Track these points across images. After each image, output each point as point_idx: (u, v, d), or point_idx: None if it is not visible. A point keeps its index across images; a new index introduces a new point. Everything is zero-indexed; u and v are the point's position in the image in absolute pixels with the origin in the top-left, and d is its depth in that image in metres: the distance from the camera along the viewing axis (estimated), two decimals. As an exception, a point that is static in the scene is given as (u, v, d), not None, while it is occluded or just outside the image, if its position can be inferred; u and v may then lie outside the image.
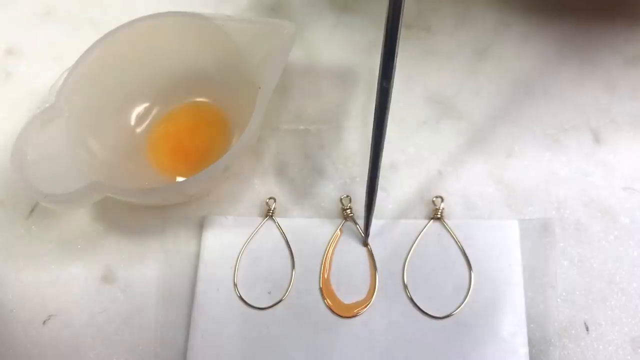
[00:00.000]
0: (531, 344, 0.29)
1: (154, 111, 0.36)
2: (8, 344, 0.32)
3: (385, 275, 0.32)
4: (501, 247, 0.31)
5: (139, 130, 0.36)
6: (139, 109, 0.36)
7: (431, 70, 0.38)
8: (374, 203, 0.30)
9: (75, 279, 0.33)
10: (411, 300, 0.31)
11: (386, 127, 0.27)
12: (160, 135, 0.36)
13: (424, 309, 0.31)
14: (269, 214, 0.34)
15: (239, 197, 0.35)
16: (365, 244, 0.32)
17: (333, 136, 0.36)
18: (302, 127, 0.37)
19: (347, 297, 0.31)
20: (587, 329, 0.30)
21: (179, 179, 0.34)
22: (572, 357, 0.29)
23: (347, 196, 0.34)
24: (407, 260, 0.32)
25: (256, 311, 0.31)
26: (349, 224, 0.33)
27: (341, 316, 0.31)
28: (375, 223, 0.33)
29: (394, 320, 0.31)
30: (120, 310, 0.32)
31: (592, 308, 0.30)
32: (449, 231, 0.32)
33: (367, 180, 0.29)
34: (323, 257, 0.32)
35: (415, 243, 0.32)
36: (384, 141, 0.28)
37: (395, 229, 0.33)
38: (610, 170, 0.34)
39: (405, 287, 0.31)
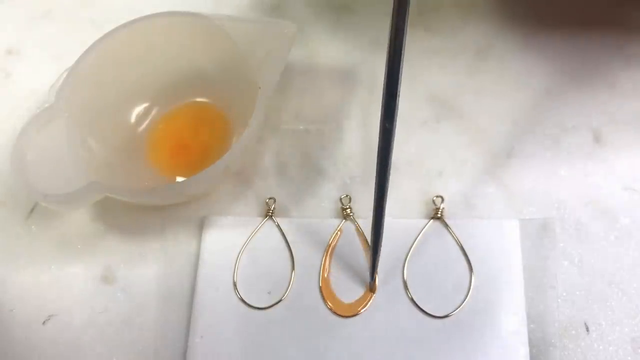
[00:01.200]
0: (531, 344, 0.29)
1: (154, 111, 0.36)
2: (8, 344, 0.32)
3: (386, 274, 0.32)
4: (501, 247, 0.31)
5: (138, 130, 0.36)
6: (139, 109, 0.36)
7: (432, 70, 0.38)
8: (380, 247, 0.30)
9: (75, 279, 0.33)
10: (411, 299, 0.31)
11: (389, 170, 0.27)
12: (160, 135, 0.36)
13: (424, 309, 0.31)
14: (268, 214, 0.34)
15: (239, 197, 0.35)
16: (371, 289, 0.31)
17: (333, 136, 0.36)
18: (302, 127, 0.37)
19: (347, 297, 0.31)
20: (587, 329, 0.30)
21: (179, 179, 0.34)
22: (572, 358, 0.29)
23: (347, 196, 0.34)
24: (407, 260, 0.32)
25: (256, 311, 0.31)
26: (349, 223, 0.33)
27: (341, 316, 0.31)
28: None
29: (394, 319, 0.30)
30: (120, 310, 0.32)
31: (592, 308, 0.30)
32: (449, 231, 0.32)
33: (372, 224, 0.29)
34: (323, 257, 0.32)
35: (416, 243, 0.32)
36: (388, 184, 0.27)
37: (395, 228, 0.33)
38: (611, 170, 0.34)
39: (406, 286, 0.31)
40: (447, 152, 0.35)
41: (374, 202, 0.28)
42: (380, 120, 0.26)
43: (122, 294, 0.33)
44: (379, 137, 0.26)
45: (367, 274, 0.32)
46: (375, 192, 0.28)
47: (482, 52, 0.38)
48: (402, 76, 0.24)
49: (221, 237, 0.33)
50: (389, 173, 0.27)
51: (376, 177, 0.27)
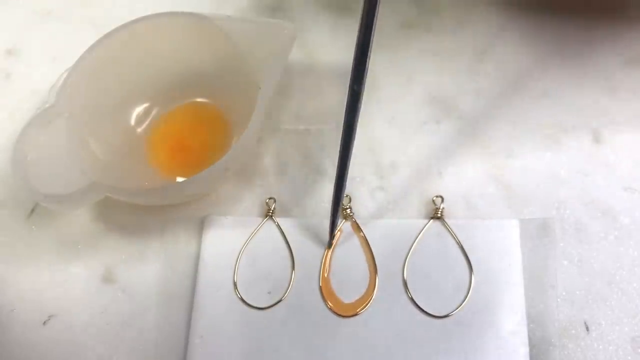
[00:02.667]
0: (531, 343, 0.29)
1: (154, 111, 0.36)
2: (8, 344, 0.32)
3: (385, 274, 0.32)
4: (501, 247, 0.31)
5: (138, 130, 0.36)
6: (139, 109, 0.36)
7: (432, 70, 0.38)
8: (340, 204, 0.31)
9: (75, 279, 0.33)
10: (411, 299, 0.31)
11: (355, 130, 0.28)
12: (160, 135, 0.36)
13: (424, 309, 0.31)
14: (269, 214, 0.34)
15: (239, 197, 0.35)
16: (330, 244, 0.32)
17: (333, 136, 0.36)
18: (302, 127, 0.37)
19: (347, 297, 0.31)
20: (587, 328, 0.30)
21: (179, 179, 0.34)
22: (572, 357, 0.29)
23: (347, 196, 0.34)
24: (407, 260, 0.32)
25: (256, 311, 0.31)
26: (349, 223, 0.33)
27: (341, 316, 0.31)
28: (375, 223, 0.33)
29: (394, 319, 0.31)
30: (120, 310, 0.32)
31: (592, 308, 0.30)
32: (449, 231, 0.32)
33: (335, 180, 0.30)
34: (323, 257, 0.32)
35: (415, 243, 0.32)
36: (352, 144, 0.28)
37: (395, 228, 0.33)
38: (610, 170, 0.34)
39: (406, 286, 0.31)
40: (447, 152, 0.35)
41: (338, 160, 0.29)
42: (350, 83, 0.26)
43: (122, 294, 0.33)
44: (347, 99, 0.27)
45: (368, 273, 0.32)
46: (340, 150, 0.29)
47: (482, 52, 0.38)
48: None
49: (221, 237, 0.33)
50: (355, 132, 0.28)
51: (341, 141, 0.28)
